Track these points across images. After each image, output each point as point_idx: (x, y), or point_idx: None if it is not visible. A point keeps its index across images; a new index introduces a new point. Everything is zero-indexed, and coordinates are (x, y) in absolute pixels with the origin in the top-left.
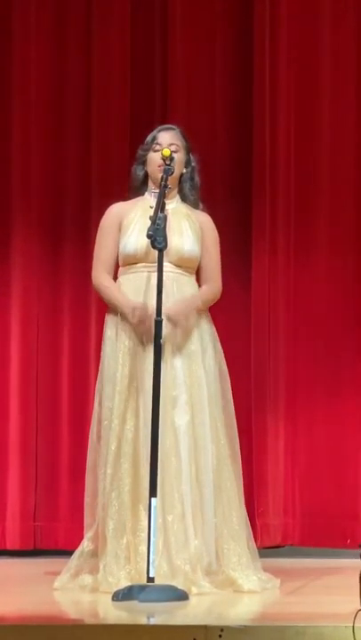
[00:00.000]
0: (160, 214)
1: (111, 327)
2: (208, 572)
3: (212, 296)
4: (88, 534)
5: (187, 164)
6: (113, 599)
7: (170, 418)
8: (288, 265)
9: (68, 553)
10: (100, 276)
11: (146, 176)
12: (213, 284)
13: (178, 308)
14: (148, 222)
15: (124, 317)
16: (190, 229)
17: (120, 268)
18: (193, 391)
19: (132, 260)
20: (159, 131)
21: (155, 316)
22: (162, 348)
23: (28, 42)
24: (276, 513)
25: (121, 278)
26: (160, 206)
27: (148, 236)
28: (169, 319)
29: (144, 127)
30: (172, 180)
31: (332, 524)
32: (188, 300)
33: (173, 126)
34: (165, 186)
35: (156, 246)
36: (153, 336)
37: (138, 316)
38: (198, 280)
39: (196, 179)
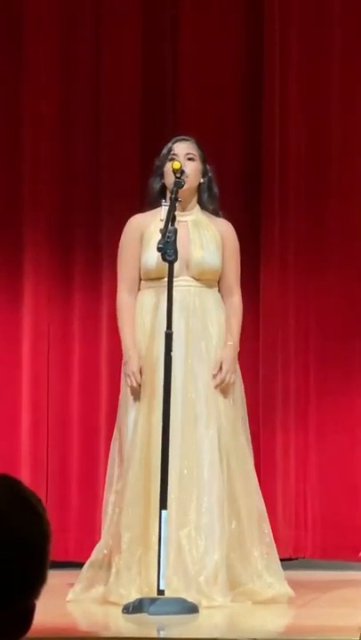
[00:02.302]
0: (170, 227)
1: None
2: (234, 584)
3: (239, 319)
4: (99, 544)
5: (203, 173)
6: (123, 612)
7: (192, 431)
8: (298, 275)
9: (78, 564)
10: (121, 297)
11: (163, 188)
12: (234, 303)
13: (228, 366)
14: None
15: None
16: (210, 240)
17: (142, 282)
18: (218, 403)
19: (154, 275)
20: (175, 142)
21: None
22: (187, 361)
23: (37, 55)
24: (288, 525)
25: (142, 292)
26: (170, 219)
27: (159, 249)
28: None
29: (154, 140)
30: (189, 191)
31: (344, 536)
32: (231, 354)
33: (189, 137)
34: (176, 199)
35: (167, 259)
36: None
37: (129, 368)
38: (220, 289)
39: (215, 189)
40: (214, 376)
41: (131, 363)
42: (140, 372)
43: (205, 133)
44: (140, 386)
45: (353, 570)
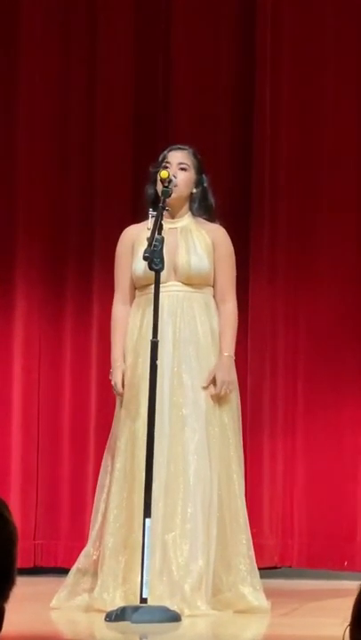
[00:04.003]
0: (157, 236)
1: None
2: (214, 591)
3: (234, 327)
4: (84, 550)
5: (197, 184)
6: (106, 619)
7: (179, 437)
8: (287, 283)
9: (67, 571)
10: (116, 308)
11: (156, 195)
12: (228, 310)
13: (223, 377)
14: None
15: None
16: (199, 245)
17: (136, 291)
18: (209, 410)
19: (144, 282)
20: (170, 150)
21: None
22: (174, 366)
23: (34, 71)
24: (274, 533)
25: (135, 301)
26: (157, 228)
27: (145, 258)
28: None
29: (147, 151)
30: (179, 200)
31: (330, 545)
32: (226, 365)
33: (185, 146)
34: (163, 207)
35: (153, 268)
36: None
37: (112, 379)
38: (215, 294)
39: (210, 200)
40: (205, 387)
41: (115, 373)
42: (123, 383)
43: (196, 145)
44: (122, 396)
45: (339, 579)
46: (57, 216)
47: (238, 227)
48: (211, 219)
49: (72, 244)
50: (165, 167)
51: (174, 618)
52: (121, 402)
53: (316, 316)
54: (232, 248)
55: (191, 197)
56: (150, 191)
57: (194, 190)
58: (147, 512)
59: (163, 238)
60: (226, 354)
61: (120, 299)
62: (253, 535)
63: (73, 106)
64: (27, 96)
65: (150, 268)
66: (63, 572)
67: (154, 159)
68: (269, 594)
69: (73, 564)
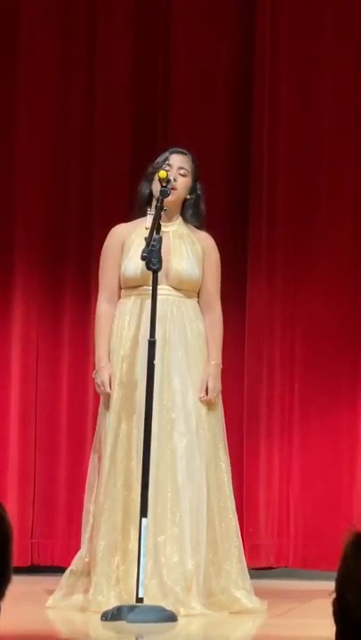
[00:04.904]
0: (155, 236)
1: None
2: (207, 594)
3: (220, 335)
4: (78, 553)
5: (192, 190)
6: (102, 619)
7: (167, 440)
8: (285, 285)
9: (64, 570)
10: (101, 307)
11: (151, 194)
12: (215, 319)
13: (214, 384)
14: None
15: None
16: (191, 252)
17: (122, 290)
18: (197, 413)
19: (133, 283)
20: (172, 152)
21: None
22: (163, 370)
23: (33, 76)
24: (270, 534)
25: (122, 300)
26: (155, 228)
27: (143, 258)
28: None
29: (145, 154)
30: (175, 203)
31: (326, 546)
32: (215, 374)
33: (186, 151)
34: (161, 207)
35: (151, 267)
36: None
37: (99, 378)
38: (200, 302)
39: (202, 207)
40: (200, 398)
41: (101, 372)
42: (110, 382)
43: (195, 145)
44: (107, 395)
45: (334, 580)
46: (56, 218)
47: (236, 227)
48: (200, 227)
49: (71, 246)
50: (166, 169)
51: (170, 618)
52: (106, 402)
53: (314, 317)
54: (219, 257)
55: (184, 203)
56: (145, 190)
57: (188, 196)
58: (143, 512)
59: (160, 238)
60: (214, 362)
61: (105, 297)
62: (249, 535)
63: (73, 106)
64: (26, 96)
65: (148, 267)
66: (60, 570)
67: (153, 160)
68: (265, 594)
69: (69, 562)
